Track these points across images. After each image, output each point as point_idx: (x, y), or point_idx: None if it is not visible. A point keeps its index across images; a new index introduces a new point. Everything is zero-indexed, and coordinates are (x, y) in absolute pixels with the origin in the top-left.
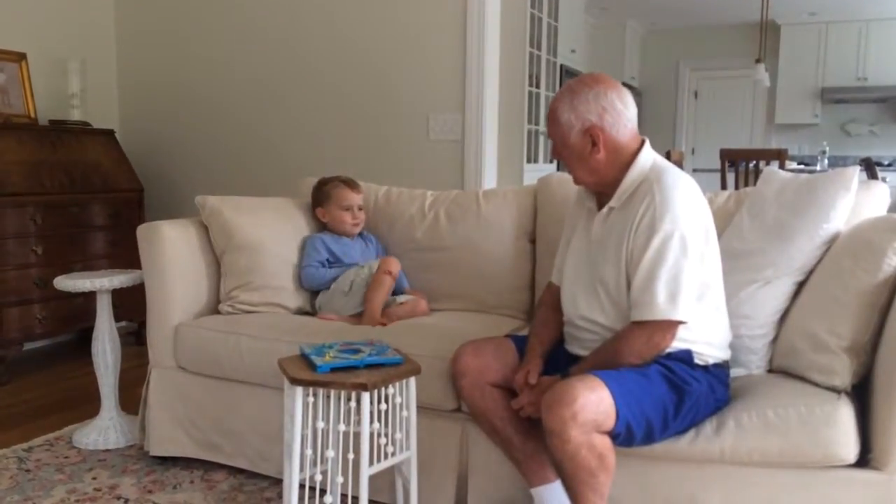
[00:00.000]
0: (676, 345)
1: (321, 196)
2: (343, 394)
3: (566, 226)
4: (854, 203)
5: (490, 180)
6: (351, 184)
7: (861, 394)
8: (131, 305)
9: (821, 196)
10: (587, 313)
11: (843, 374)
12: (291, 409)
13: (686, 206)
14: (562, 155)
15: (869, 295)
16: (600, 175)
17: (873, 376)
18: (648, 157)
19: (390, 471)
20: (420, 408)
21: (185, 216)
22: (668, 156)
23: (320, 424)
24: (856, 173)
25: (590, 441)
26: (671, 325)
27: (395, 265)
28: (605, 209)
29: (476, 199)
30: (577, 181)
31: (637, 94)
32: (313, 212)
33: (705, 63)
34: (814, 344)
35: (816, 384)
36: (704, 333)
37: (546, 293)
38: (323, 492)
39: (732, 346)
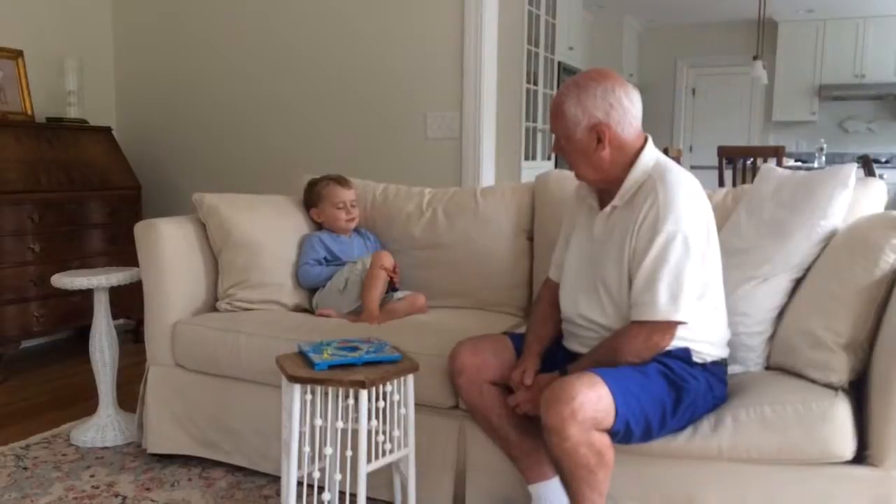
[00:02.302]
0: (675, 343)
1: (313, 197)
2: (341, 391)
3: (565, 222)
4: (851, 200)
5: (488, 178)
6: (341, 181)
7: (858, 390)
8: (129, 303)
9: (818, 193)
10: (587, 312)
11: (841, 370)
12: (289, 406)
13: (689, 205)
14: (564, 150)
15: (866, 292)
16: (603, 172)
17: (870, 373)
18: (651, 155)
19: (388, 468)
20: (418, 405)
21: (182, 214)
22: (665, 153)
23: (318, 422)
24: (853, 170)
25: (588, 439)
26: (671, 326)
27: (388, 259)
28: (607, 208)
29: (474, 196)
30: (578, 177)
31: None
32: (307, 214)
33: (703, 60)
34: (811, 341)
35: (814, 381)
36: (703, 332)
37: (543, 289)
38: (321, 489)
39: (730, 344)
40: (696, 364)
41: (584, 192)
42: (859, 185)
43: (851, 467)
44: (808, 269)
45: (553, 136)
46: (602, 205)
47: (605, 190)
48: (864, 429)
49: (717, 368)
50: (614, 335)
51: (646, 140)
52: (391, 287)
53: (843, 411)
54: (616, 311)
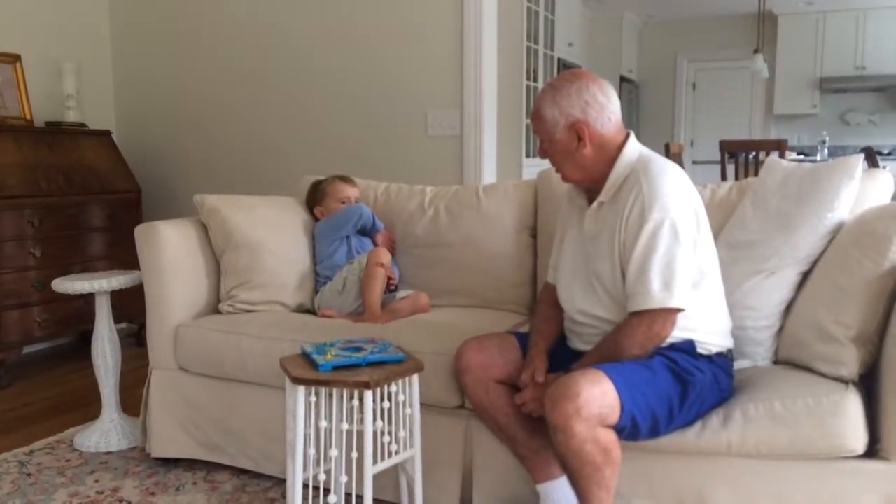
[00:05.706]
0: (678, 334)
1: (318, 195)
2: (346, 392)
3: (559, 225)
4: (858, 192)
5: (489, 175)
6: (345, 178)
7: (868, 384)
8: (131, 307)
9: (825, 185)
10: (586, 308)
11: (851, 364)
12: (294, 408)
13: (674, 193)
14: (549, 153)
15: (875, 284)
16: (588, 170)
17: (880, 366)
18: (634, 149)
19: (395, 469)
20: (423, 405)
21: (182, 216)
22: (667, 148)
23: (323, 423)
24: (860, 161)
25: (594, 435)
26: (669, 313)
27: (385, 256)
28: (595, 204)
29: (476, 194)
30: (565, 178)
31: (635, 86)
32: (310, 213)
33: (703, 54)
34: (820, 334)
35: (823, 375)
36: (705, 321)
37: (543, 292)
38: (327, 491)
39: (738, 338)
40: (702, 356)
41: (573, 194)
42: (866, 177)
43: (863, 461)
44: (815, 262)
45: (538, 139)
46: (590, 203)
47: (592, 189)
48: (876, 422)
49: (722, 361)
50: (616, 329)
51: (628, 135)
52: (388, 289)
53: (854, 405)
54: (614, 304)
